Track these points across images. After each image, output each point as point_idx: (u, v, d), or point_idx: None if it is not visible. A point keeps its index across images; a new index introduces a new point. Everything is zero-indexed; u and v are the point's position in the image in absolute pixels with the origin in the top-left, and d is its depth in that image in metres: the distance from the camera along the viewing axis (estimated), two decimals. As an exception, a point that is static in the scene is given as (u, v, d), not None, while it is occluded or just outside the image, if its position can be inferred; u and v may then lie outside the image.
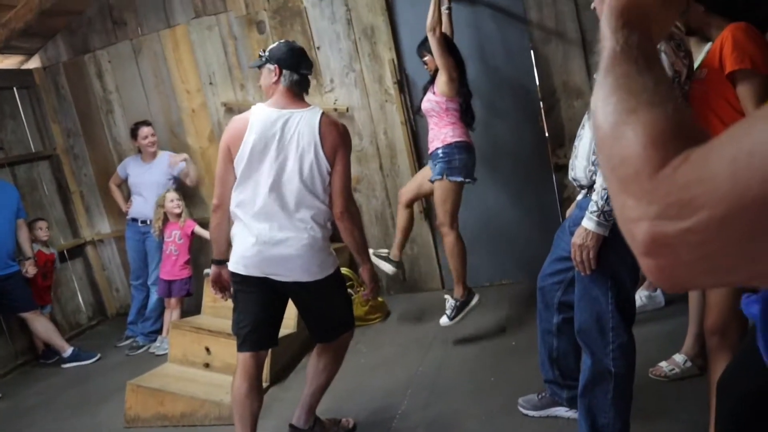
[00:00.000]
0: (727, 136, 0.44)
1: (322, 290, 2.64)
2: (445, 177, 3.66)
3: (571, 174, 2.26)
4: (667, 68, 1.90)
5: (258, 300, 2.61)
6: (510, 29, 4.36)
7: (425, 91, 3.89)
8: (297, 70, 2.58)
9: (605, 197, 1.95)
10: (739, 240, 0.42)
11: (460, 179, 3.67)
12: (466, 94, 3.80)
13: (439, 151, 3.69)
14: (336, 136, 2.53)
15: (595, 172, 2.13)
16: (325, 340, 2.80)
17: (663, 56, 1.91)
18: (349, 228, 2.63)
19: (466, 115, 3.82)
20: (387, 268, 4.12)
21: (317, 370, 2.84)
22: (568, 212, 2.67)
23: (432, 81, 3.81)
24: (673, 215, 0.45)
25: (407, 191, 4.12)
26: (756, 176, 0.41)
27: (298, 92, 2.60)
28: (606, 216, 1.97)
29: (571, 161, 2.25)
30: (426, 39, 3.71)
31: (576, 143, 2.22)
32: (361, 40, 4.58)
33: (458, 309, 3.81)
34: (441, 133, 3.70)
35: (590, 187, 2.19)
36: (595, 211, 1.99)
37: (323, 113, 2.57)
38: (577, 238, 2.04)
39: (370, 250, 3.87)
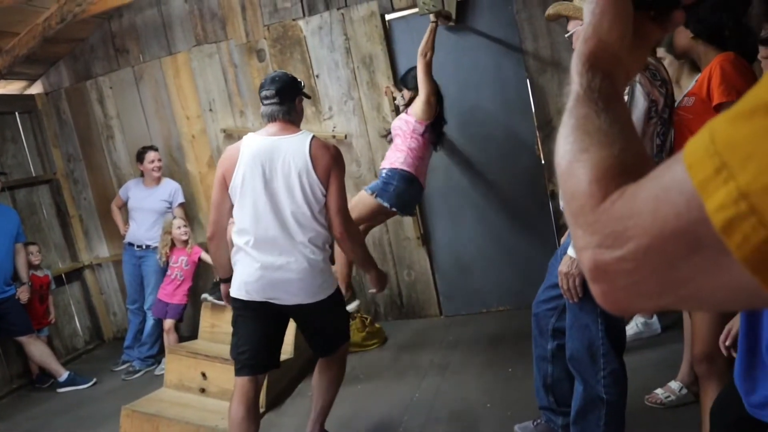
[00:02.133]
0: (653, 174, 0.49)
1: (323, 309, 2.69)
2: (374, 195, 3.75)
3: (561, 203, 2.30)
4: (643, 98, 1.94)
5: (258, 325, 2.64)
6: (506, 59, 4.44)
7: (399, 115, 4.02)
8: (261, 100, 2.66)
9: None
10: (661, 268, 0.47)
11: (385, 204, 3.73)
12: (440, 117, 3.92)
13: (384, 171, 3.80)
14: (328, 158, 2.57)
15: None
16: (327, 353, 2.87)
17: (638, 86, 1.96)
18: (350, 247, 2.70)
19: (433, 134, 3.88)
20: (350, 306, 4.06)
21: (323, 387, 2.90)
22: (563, 240, 2.70)
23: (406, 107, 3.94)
24: (609, 245, 0.49)
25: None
26: (669, 211, 0.45)
27: (284, 120, 2.63)
28: None
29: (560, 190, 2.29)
30: (409, 72, 3.92)
31: None
32: (360, 68, 4.65)
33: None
34: (394, 155, 3.79)
35: None
36: None
37: (314, 137, 2.62)
38: (563, 267, 2.07)
39: None
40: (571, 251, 2.05)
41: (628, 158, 0.55)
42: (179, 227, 4.62)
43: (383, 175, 3.80)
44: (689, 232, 0.44)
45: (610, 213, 0.50)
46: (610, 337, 2.11)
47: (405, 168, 3.74)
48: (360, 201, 3.79)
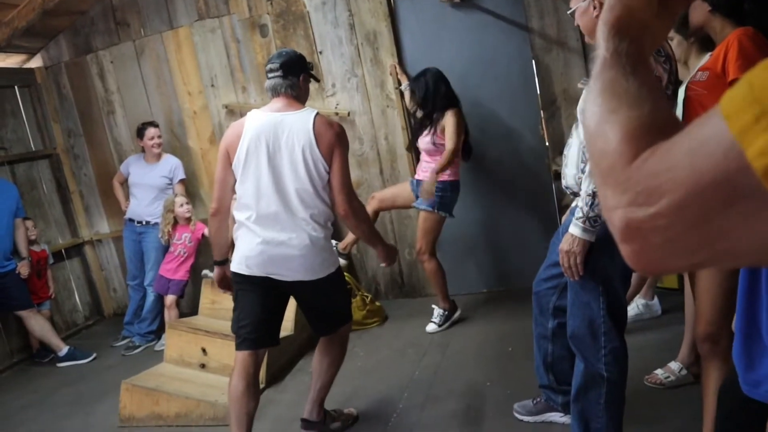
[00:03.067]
0: (687, 129, 0.49)
1: (323, 288, 2.68)
2: (436, 210, 3.92)
3: (563, 182, 2.28)
4: None
5: (258, 300, 2.63)
6: (512, 37, 4.38)
7: (421, 126, 4.06)
8: (266, 74, 2.65)
9: (590, 203, 1.96)
10: (697, 222, 0.47)
11: (446, 214, 3.97)
12: (467, 132, 4.07)
13: (436, 185, 3.89)
14: (331, 135, 2.55)
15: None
16: (327, 333, 2.86)
17: None
18: (355, 224, 2.68)
19: (464, 150, 4.09)
20: None
21: (323, 367, 2.89)
22: (564, 218, 2.68)
23: (427, 118, 3.99)
24: (642, 202, 0.50)
25: (383, 199, 4.29)
26: (706, 162, 0.45)
27: (288, 95, 2.62)
28: (591, 222, 1.98)
29: (562, 169, 2.27)
30: (422, 74, 3.98)
31: (565, 152, 2.24)
32: (364, 45, 4.60)
33: (446, 318, 4.13)
34: None
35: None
36: (580, 218, 2.00)
37: (318, 113, 2.60)
38: (564, 244, 2.06)
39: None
40: (572, 229, 2.03)
41: (658, 118, 0.55)
42: (182, 205, 4.61)
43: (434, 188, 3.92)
44: (727, 182, 0.44)
45: (643, 170, 0.50)
46: (612, 315, 2.10)
47: (454, 178, 3.99)
48: (430, 223, 3.99)
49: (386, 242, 2.89)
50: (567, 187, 2.25)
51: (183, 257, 4.64)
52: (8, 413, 3.96)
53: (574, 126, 2.22)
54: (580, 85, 2.21)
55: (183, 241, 4.63)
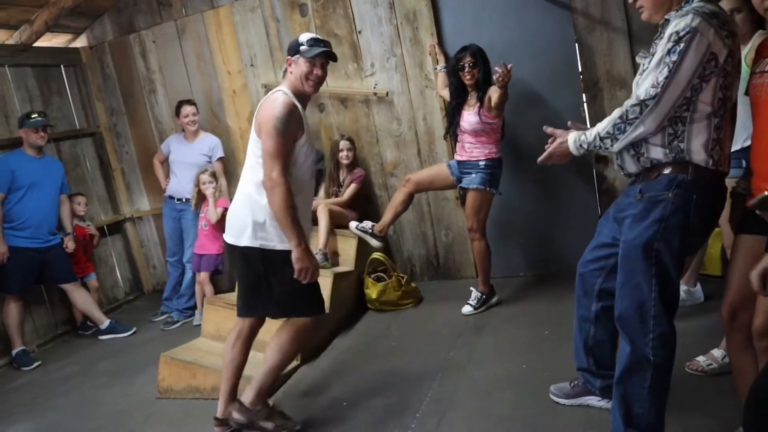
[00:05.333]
0: None
1: (248, 260, 2.70)
2: (487, 188, 3.93)
3: (617, 162, 2.23)
4: (703, 48, 1.88)
5: (239, 270, 2.78)
6: (554, 17, 4.28)
7: (457, 108, 4.01)
8: None
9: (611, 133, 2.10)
10: None
11: (495, 191, 3.98)
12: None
13: (482, 162, 3.94)
14: (265, 107, 2.63)
15: (638, 159, 2.11)
16: (242, 312, 2.85)
17: (698, 37, 1.87)
18: (269, 195, 2.55)
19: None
20: (374, 243, 4.26)
21: (272, 350, 2.79)
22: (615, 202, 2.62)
23: (461, 101, 3.99)
24: None
25: (419, 182, 4.22)
26: None
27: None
28: (590, 146, 2.19)
29: None
30: (479, 50, 3.90)
31: None
32: (403, 24, 4.55)
33: (483, 302, 4.10)
34: (486, 148, 3.96)
35: (638, 175, 2.16)
36: (586, 139, 2.20)
37: (277, 91, 2.69)
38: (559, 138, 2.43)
39: (353, 224, 4.25)
40: (571, 138, 2.23)
41: None
42: (204, 182, 4.68)
43: (482, 165, 3.94)
44: None
45: None
46: (663, 299, 2.04)
47: (500, 154, 4.03)
48: (481, 201, 3.98)
49: (309, 251, 2.60)
50: (621, 167, 2.20)
51: (206, 230, 4.73)
52: (52, 383, 4.08)
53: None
54: (638, 59, 2.16)
55: (205, 214, 4.72)
